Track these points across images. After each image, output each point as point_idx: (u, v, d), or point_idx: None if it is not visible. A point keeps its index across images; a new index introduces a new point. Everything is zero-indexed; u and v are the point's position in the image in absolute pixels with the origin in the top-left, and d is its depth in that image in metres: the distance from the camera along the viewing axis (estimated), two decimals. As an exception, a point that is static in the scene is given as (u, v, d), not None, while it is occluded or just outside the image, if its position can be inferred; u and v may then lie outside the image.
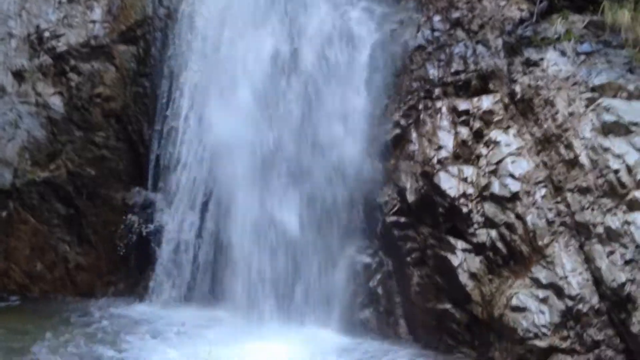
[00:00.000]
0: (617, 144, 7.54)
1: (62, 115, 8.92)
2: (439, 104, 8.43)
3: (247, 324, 7.97)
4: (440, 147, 8.23)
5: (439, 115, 8.40)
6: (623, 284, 7.02)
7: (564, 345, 7.15)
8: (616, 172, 7.46)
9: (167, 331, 7.80)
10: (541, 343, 7.22)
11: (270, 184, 8.28)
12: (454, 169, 8.12)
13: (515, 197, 7.80)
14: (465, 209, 7.92)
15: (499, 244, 7.74)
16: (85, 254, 8.81)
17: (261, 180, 8.30)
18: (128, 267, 8.86)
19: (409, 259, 8.11)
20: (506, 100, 8.19)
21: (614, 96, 7.82)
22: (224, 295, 8.55)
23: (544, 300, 7.35)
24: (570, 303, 7.22)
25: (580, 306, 7.18)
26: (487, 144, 8.10)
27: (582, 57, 8.12)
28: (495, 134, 8.11)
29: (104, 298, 8.62)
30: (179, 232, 8.76)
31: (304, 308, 8.12)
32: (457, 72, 8.44)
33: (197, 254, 8.71)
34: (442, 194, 8.04)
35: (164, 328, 7.91)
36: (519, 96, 8.12)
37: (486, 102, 8.28)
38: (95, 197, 8.84)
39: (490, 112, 8.20)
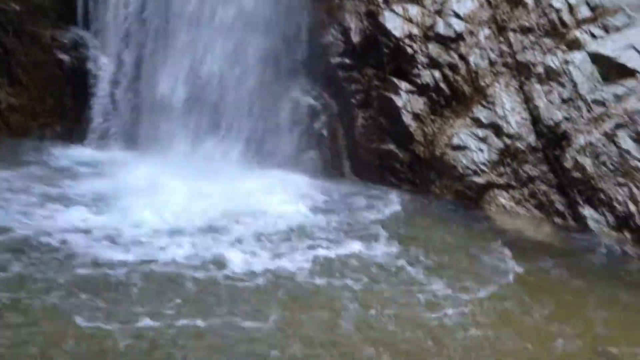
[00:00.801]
0: (560, -17, 7.57)
1: (-23, -56, 8.13)
2: (383, -63, 8.11)
3: (190, 166, 7.88)
4: (385, -15, 8.03)
5: (383, -49, 8.12)
6: (559, 122, 7.33)
7: (501, 181, 7.51)
8: (558, 11, 7.55)
9: (101, 174, 7.67)
10: (479, 179, 7.55)
11: (211, 22, 7.95)
12: (398, 8, 7.98)
13: (459, 37, 7.82)
14: (409, 50, 7.90)
15: (442, 85, 7.83)
16: (16, 94, 8.38)
17: (201, 17, 7.94)
18: (63, 109, 8.53)
19: (353, 100, 8.13)
20: None
21: None
22: (163, 137, 8.38)
23: (483, 139, 7.61)
24: (508, 141, 7.51)
25: (517, 144, 7.48)
26: (432, -18, 7.95)
27: None
28: (441, -29, 7.95)
29: (41, 140, 8.33)
30: (115, 73, 8.40)
31: (248, 149, 8.11)
32: None
33: (135, 96, 8.42)
34: (387, 34, 7.95)
35: (99, 170, 7.77)
36: None
37: (432, -64, 8.02)
38: (23, 34, 8.28)
39: (436, -52, 7.98)
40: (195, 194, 7.16)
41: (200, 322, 4.95)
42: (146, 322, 4.91)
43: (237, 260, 5.92)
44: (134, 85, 8.41)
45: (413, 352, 4.73)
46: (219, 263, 5.86)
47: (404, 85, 7.92)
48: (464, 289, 5.63)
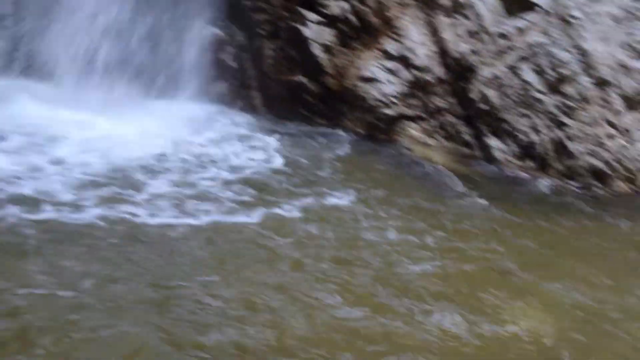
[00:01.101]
0: None
1: None
2: None
3: (86, 99, 7.38)
4: None
5: None
6: (465, 55, 7.53)
7: (411, 113, 7.66)
8: (463, -56, 7.65)
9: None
10: (390, 111, 7.66)
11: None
12: None
13: (367, -33, 7.75)
14: (317, -21, 7.75)
15: (351, 16, 7.77)
16: None
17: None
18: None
19: (261, 31, 7.89)
20: None
21: None
22: (52, 67, 7.77)
23: (393, 71, 7.69)
24: (417, 73, 7.64)
25: (426, 76, 7.63)
26: None
27: None
28: None
29: None
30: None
31: (152, 82, 7.72)
32: None
33: (19, 20, 7.72)
34: (294, -39, 7.74)
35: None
36: None
37: None
38: None
39: None
40: (95, 132, 6.74)
41: (114, 287, 4.12)
42: (40, 290, 4.08)
43: (155, 215, 5.13)
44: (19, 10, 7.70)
45: (367, 290, 4.58)
46: (133, 219, 4.97)
47: (312, 16, 7.78)
48: (411, 230, 5.51)
